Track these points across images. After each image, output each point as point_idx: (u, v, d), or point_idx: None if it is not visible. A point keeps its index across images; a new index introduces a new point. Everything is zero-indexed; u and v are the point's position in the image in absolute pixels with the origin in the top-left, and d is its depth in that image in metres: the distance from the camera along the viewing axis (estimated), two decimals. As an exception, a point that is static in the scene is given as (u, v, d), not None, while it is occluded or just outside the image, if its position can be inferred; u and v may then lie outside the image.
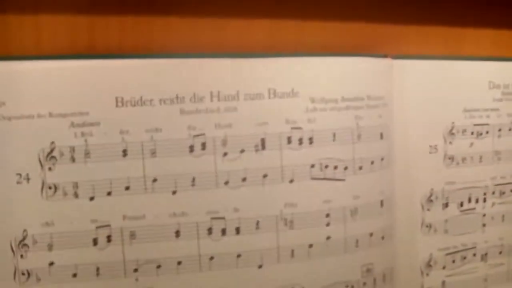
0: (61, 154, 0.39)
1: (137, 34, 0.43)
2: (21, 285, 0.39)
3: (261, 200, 0.42)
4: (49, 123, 0.38)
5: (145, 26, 0.43)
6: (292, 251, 0.43)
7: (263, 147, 0.42)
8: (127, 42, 0.43)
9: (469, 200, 0.50)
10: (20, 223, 0.39)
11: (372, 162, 0.45)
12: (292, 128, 0.42)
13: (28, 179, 0.38)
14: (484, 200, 0.51)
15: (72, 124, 0.39)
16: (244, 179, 0.41)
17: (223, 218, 0.41)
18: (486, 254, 0.52)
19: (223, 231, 0.42)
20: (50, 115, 0.38)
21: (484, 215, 0.51)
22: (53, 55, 0.40)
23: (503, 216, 0.52)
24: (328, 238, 0.43)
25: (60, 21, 0.41)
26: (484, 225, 0.51)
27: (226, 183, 0.41)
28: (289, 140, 0.42)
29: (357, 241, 0.44)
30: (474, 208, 0.51)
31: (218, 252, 0.41)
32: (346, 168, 0.44)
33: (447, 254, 0.50)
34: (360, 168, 0.44)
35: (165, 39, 0.44)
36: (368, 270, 0.45)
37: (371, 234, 0.45)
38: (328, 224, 0.43)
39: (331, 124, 0.43)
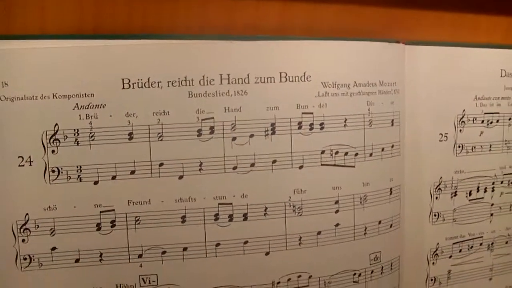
0: (65, 137, 0.39)
1: (145, 15, 0.43)
2: (23, 270, 0.39)
3: (270, 186, 0.42)
4: (53, 104, 0.38)
5: (153, 6, 0.43)
6: (300, 238, 0.43)
7: (273, 132, 0.41)
8: (135, 22, 0.43)
9: (478, 190, 0.51)
10: (22, 207, 0.39)
11: (383, 149, 0.45)
12: (303, 113, 0.42)
13: (30, 162, 0.39)
14: (493, 190, 0.51)
15: (77, 106, 0.39)
16: (252, 165, 0.41)
17: (230, 204, 0.41)
18: (492, 243, 0.52)
19: (230, 217, 0.42)
20: (54, 96, 0.38)
21: (492, 204, 0.52)
22: (58, 35, 0.40)
23: (510, 206, 0.53)
24: (337, 225, 0.44)
25: (66, 0, 0.41)
26: (491, 214, 0.52)
27: (235, 168, 0.41)
28: (299, 126, 0.42)
29: (365, 229, 0.45)
30: (482, 198, 0.51)
31: (225, 239, 0.42)
32: (356, 154, 0.44)
33: (454, 243, 0.51)
34: (370, 154, 0.44)
35: (174, 20, 0.43)
36: (376, 258, 0.46)
37: (379, 222, 0.45)
38: (337, 211, 0.43)
39: (342, 110, 0.43)
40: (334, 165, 0.43)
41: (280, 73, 0.41)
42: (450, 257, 0.51)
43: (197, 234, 0.41)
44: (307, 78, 0.42)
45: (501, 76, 0.50)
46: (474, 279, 0.52)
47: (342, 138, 0.43)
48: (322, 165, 0.43)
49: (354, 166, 0.44)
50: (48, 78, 0.38)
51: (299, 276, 0.43)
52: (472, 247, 0.51)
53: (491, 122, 0.50)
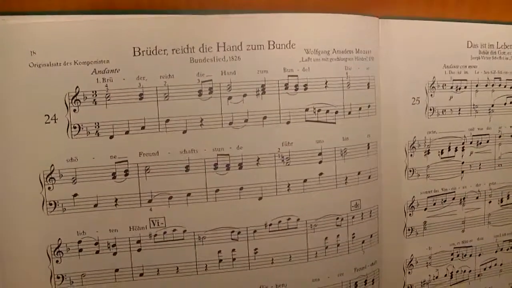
0: (85, 98, 0.42)
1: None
2: (49, 214, 0.43)
3: (261, 139, 0.45)
4: (74, 70, 0.41)
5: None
6: (289, 185, 0.46)
7: (263, 92, 0.44)
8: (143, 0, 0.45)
9: (449, 149, 0.53)
10: (48, 158, 0.42)
11: (360, 108, 0.48)
12: (289, 75, 0.45)
13: (55, 119, 0.42)
14: (463, 149, 0.54)
15: (95, 71, 0.42)
16: (246, 120, 0.44)
17: (227, 155, 0.44)
18: (464, 198, 0.55)
19: (228, 167, 0.45)
20: (75, 63, 0.42)
21: (462, 163, 0.54)
22: (78, 10, 0.43)
23: (479, 164, 0.55)
24: (320, 174, 0.46)
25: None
26: (462, 172, 0.54)
27: (231, 123, 0.44)
28: (286, 86, 0.45)
29: (346, 178, 0.47)
30: (453, 156, 0.54)
31: (223, 185, 0.45)
32: (336, 112, 0.46)
33: (429, 197, 0.53)
34: (349, 113, 0.47)
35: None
36: (356, 205, 0.48)
37: (358, 173, 0.48)
38: (320, 162, 0.46)
39: (323, 73, 0.45)
40: (317, 121, 0.46)
41: (269, 41, 0.44)
42: (425, 209, 0.53)
43: (199, 181, 0.44)
44: (292, 46, 0.44)
45: (468, 47, 0.53)
46: (448, 230, 0.55)
47: (324, 98, 0.46)
48: (306, 121, 0.45)
49: (334, 123, 0.46)
50: (69, 47, 0.41)
51: (289, 219, 0.46)
52: (445, 201, 0.54)
53: (459, 88, 0.53)
